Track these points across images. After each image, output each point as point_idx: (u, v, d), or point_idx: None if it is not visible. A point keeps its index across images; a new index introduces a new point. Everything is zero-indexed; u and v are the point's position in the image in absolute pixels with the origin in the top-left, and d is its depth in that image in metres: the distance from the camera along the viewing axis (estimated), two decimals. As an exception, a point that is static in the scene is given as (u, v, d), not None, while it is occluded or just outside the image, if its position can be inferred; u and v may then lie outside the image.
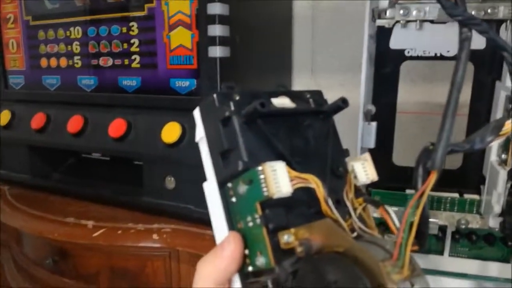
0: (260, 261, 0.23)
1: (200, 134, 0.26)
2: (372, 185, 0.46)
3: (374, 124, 0.41)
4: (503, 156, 0.38)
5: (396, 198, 0.45)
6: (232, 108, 0.24)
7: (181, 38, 0.61)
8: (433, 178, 0.21)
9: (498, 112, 0.39)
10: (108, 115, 0.68)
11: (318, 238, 0.22)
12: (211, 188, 0.25)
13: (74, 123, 0.71)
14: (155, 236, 0.63)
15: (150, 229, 0.65)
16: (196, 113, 0.26)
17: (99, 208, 0.71)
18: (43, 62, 0.75)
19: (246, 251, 0.24)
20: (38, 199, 0.76)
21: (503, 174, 0.37)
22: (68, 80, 0.73)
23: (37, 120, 0.75)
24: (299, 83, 0.84)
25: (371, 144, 0.41)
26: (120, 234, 0.64)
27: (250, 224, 0.23)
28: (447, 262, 0.45)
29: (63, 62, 0.73)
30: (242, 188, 0.24)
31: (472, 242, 0.44)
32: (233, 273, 0.24)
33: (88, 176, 0.79)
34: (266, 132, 0.24)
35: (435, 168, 0.20)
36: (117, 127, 0.66)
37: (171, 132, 0.62)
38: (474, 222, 0.43)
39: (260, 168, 0.22)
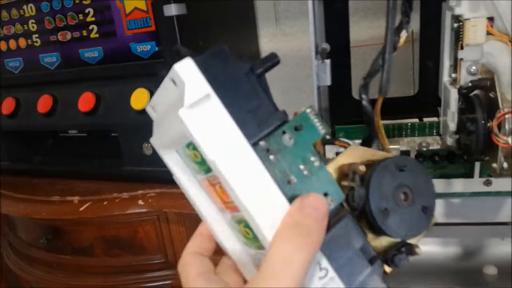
0: (332, 200, 0.22)
1: (203, 91, 0.21)
2: (336, 121, 0.48)
3: (328, 61, 0.42)
4: (453, 75, 0.39)
5: (360, 132, 0.47)
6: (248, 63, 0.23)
7: (136, 1, 0.60)
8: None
9: (446, 33, 0.40)
10: (76, 90, 0.68)
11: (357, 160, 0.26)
12: (240, 154, 0.21)
13: (44, 103, 0.71)
14: (140, 202, 0.65)
15: (134, 196, 0.66)
16: (190, 68, 0.21)
17: (83, 184, 0.73)
18: (3, 45, 0.74)
19: None
20: (22, 183, 0.76)
21: (454, 92, 0.38)
22: (30, 61, 0.72)
23: (7, 105, 0.74)
24: (265, 34, 0.84)
25: (327, 81, 0.41)
26: (106, 205, 0.66)
27: (306, 172, 0.22)
28: (414, 185, 0.47)
29: (22, 42, 0.72)
30: (289, 138, 0.22)
31: (435, 163, 0.46)
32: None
33: (68, 154, 0.80)
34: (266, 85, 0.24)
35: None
36: (86, 101, 0.67)
37: (140, 98, 0.63)
38: (434, 143, 0.45)
39: (309, 110, 0.23)
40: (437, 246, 0.53)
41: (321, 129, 0.23)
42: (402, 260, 0.24)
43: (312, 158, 0.22)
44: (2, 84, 0.76)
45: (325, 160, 0.23)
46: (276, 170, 0.22)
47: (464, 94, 0.36)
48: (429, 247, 0.53)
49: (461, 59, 0.37)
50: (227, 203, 0.24)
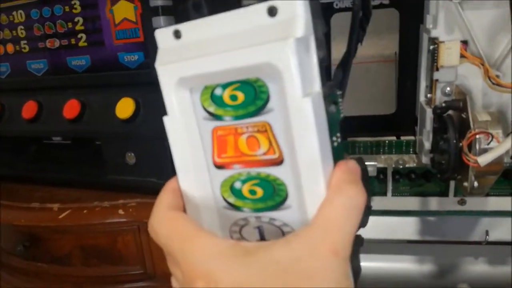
0: None
1: (305, 31, 0.21)
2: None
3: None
4: (429, 95, 0.40)
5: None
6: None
7: (125, 11, 0.60)
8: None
9: (423, 54, 0.41)
10: (61, 97, 0.68)
11: None
12: (316, 98, 0.22)
13: (29, 109, 0.70)
14: (120, 212, 0.65)
15: (115, 205, 0.66)
16: (304, 5, 0.22)
17: (64, 191, 0.72)
18: (-10, 50, 0.74)
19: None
20: (2, 189, 0.76)
21: (429, 112, 0.39)
22: (17, 66, 0.72)
23: (-9, 109, 0.74)
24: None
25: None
26: (86, 213, 0.66)
27: (335, 143, 0.24)
28: (390, 202, 0.48)
29: (10, 48, 0.72)
30: (332, 107, 0.23)
31: (411, 181, 0.47)
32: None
33: (51, 161, 0.79)
34: None
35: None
36: (71, 108, 0.67)
37: (125, 108, 0.63)
38: (411, 161, 0.46)
39: (339, 92, 0.24)
40: (411, 264, 0.54)
41: (342, 112, 0.24)
42: None
43: (338, 135, 0.24)
44: (-12, 88, 0.76)
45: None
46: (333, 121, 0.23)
47: (438, 114, 0.37)
48: (404, 265, 0.54)
49: (437, 80, 0.38)
50: (246, 156, 0.24)
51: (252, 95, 0.23)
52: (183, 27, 0.25)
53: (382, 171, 0.46)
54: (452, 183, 0.46)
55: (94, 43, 0.64)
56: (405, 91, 0.45)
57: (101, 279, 0.69)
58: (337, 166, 0.23)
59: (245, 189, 0.24)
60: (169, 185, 0.27)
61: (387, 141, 0.46)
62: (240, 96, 0.23)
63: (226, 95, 0.24)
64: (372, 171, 0.45)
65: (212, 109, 0.24)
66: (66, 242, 0.70)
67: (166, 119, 0.26)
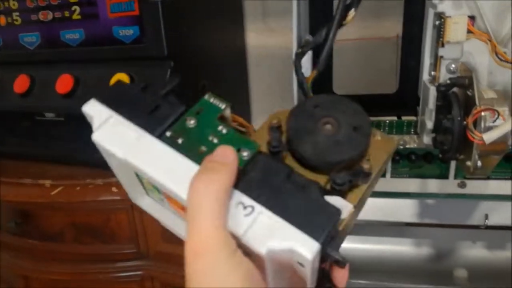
0: (246, 153, 0.24)
1: (105, 115, 0.28)
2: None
3: (309, 53, 0.41)
4: (433, 73, 0.39)
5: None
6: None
7: (120, -16, 0.58)
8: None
9: (428, 31, 0.40)
10: (54, 72, 0.66)
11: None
12: (149, 146, 0.26)
13: (21, 83, 0.69)
14: (114, 189, 0.64)
15: (108, 183, 0.65)
16: (93, 104, 0.29)
17: (57, 168, 0.71)
18: (-19, 22, 0.72)
19: None
20: (-6, 165, 0.74)
21: (432, 90, 0.38)
22: (10, 39, 0.70)
23: (-18, 83, 0.72)
24: (252, 28, 0.83)
25: (308, 73, 0.41)
26: (79, 191, 0.64)
27: (216, 140, 0.25)
28: (389, 183, 0.47)
29: (2, 20, 0.70)
30: (192, 121, 0.26)
31: (411, 162, 0.46)
32: (231, 188, 0.23)
33: (44, 138, 0.78)
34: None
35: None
36: (64, 83, 0.65)
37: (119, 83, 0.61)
38: (411, 142, 0.45)
39: (207, 96, 0.27)
40: (409, 247, 0.53)
41: (221, 104, 0.26)
42: (342, 178, 0.24)
43: (219, 128, 0.26)
44: (-21, 61, 0.74)
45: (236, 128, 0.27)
46: (186, 148, 0.25)
47: (443, 92, 0.36)
48: (401, 247, 0.53)
49: (441, 56, 0.37)
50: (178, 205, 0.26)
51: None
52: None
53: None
54: (452, 165, 0.45)
55: (88, 16, 0.62)
56: (407, 69, 0.44)
57: (94, 257, 0.68)
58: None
59: None
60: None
61: (387, 121, 0.45)
62: (146, 181, 0.29)
63: (145, 181, 0.29)
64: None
65: (154, 194, 0.29)
66: (58, 219, 0.69)
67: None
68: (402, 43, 0.44)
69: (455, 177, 0.46)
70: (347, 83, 0.39)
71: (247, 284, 0.22)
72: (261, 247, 0.21)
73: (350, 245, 0.53)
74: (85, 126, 0.67)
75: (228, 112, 0.27)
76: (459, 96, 0.34)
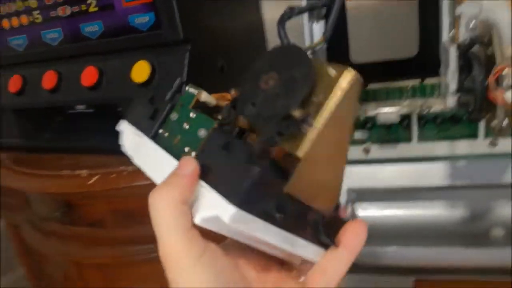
0: (202, 131, 0.26)
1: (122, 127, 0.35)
2: (335, 86, 0.47)
3: (321, 22, 0.40)
4: (452, 33, 0.38)
5: (360, 95, 0.46)
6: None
7: (131, -28, 0.59)
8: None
9: (446, -12, 0.38)
10: (79, 66, 0.68)
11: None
12: (146, 147, 0.29)
13: (49, 79, 0.71)
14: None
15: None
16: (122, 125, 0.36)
17: (91, 158, 0.74)
18: (5, 24, 0.74)
19: (187, 149, 0.27)
20: (33, 160, 0.78)
21: (452, 50, 0.37)
22: (33, 38, 0.72)
23: (14, 83, 0.75)
24: (268, 3, 0.82)
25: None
26: (114, 178, 0.67)
27: (187, 126, 0.27)
28: (416, 148, 0.46)
29: (24, 19, 0.72)
30: (174, 114, 0.29)
31: (438, 125, 0.45)
32: (192, 193, 0.23)
33: (77, 130, 0.81)
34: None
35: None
36: (89, 75, 0.67)
37: (140, 71, 0.62)
38: (436, 105, 0.43)
39: (187, 87, 0.29)
40: (443, 209, 0.53)
41: (192, 90, 0.28)
42: (266, 134, 0.22)
43: (191, 114, 0.27)
44: (8, 62, 0.77)
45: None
46: (170, 141, 0.27)
47: (463, 51, 0.35)
48: (434, 210, 0.53)
49: (460, 14, 0.36)
50: None
51: None
52: None
53: (406, 117, 0.44)
54: (482, 125, 0.44)
55: (105, 8, 0.63)
56: (427, 31, 0.42)
57: (134, 239, 0.71)
58: None
59: None
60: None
61: (410, 86, 0.44)
62: None
63: None
64: (395, 118, 0.44)
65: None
66: (98, 206, 0.73)
67: None
68: (419, 4, 0.42)
69: (485, 136, 0.45)
70: (365, 50, 0.39)
71: (217, 285, 0.23)
72: (196, 219, 0.22)
73: (381, 212, 0.53)
74: (115, 116, 0.69)
75: (204, 96, 0.28)
76: (479, 55, 0.33)
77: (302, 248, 0.24)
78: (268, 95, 0.23)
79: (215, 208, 0.21)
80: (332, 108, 0.22)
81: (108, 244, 0.74)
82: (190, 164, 0.24)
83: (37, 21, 0.70)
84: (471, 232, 0.52)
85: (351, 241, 0.25)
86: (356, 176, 0.52)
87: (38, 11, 0.69)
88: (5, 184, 0.78)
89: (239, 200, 0.20)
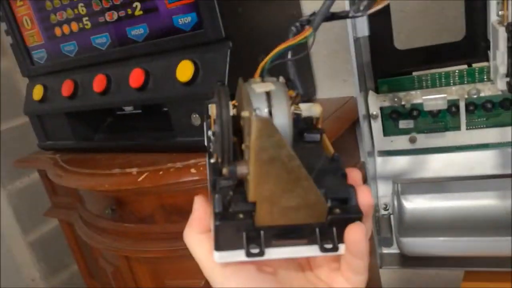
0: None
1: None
2: (379, 74, 0.47)
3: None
4: (501, 13, 0.37)
5: (404, 83, 0.45)
6: None
7: (173, -26, 0.61)
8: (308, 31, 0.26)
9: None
10: (126, 68, 0.71)
11: None
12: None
13: (99, 83, 0.74)
14: (193, 170, 0.68)
15: (187, 165, 0.69)
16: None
17: (141, 157, 0.77)
18: (57, 31, 0.78)
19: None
20: (85, 160, 0.82)
21: (502, 31, 0.36)
22: (83, 43, 0.76)
23: (67, 87, 0.79)
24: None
25: (365, 31, 0.40)
26: (162, 175, 0.69)
27: None
28: (465, 136, 0.45)
29: (74, 26, 0.76)
30: None
31: (488, 111, 0.43)
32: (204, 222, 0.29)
33: (126, 130, 0.84)
34: None
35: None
36: (136, 77, 0.69)
37: (185, 70, 0.64)
38: (485, 90, 0.42)
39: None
40: (494, 200, 0.51)
41: None
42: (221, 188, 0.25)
43: None
44: (61, 68, 0.81)
45: None
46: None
47: (513, 32, 0.34)
48: (485, 201, 0.51)
49: (509, -6, 0.34)
50: None
51: None
52: None
53: (454, 103, 0.43)
54: (534, 109, 0.42)
55: (149, 10, 0.65)
56: (474, 12, 0.41)
57: (181, 234, 0.73)
58: None
59: None
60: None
61: (457, 71, 0.43)
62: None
63: None
64: (442, 104, 0.43)
65: None
66: (148, 203, 0.75)
67: None
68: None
69: (539, 121, 0.43)
70: (410, 36, 0.38)
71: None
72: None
73: (429, 204, 0.52)
74: (161, 116, 0.72)
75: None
76: (532, 34, 0.32)
77: (304, 252, 0.25)
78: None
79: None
80: (255, 150, 0.23)
81: (157, 239, 0.77)
82: (196, 201, 0.30)
83: (87, 27, 0.74)
84: (526, 222, 0.50)
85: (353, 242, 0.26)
86: (402, 167, 0.51)
87: (87, 18, 0.73)
88: (60, 184, 0.82)
89: (215, 245, 0.25)
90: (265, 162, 0.23)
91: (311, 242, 0.25)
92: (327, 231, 0.25)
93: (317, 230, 0.25)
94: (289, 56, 0.28)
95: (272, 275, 0.28)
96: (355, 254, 0.26)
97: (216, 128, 0.25)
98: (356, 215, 0.24)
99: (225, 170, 0.24)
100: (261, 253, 0.24)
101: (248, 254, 0.24)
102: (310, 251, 0.25)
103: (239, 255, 0.25)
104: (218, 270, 0.27)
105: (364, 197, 0.25)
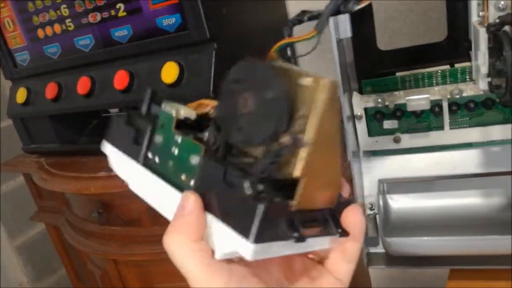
0: (194, 159, 0.24)
1: (107, 151, 0.31)
2: (363, 75, 0.47)
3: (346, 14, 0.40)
4: (481, 13, 0.37)
5: (388, 84, 0.45)
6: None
7: (157, -25, 0.60)
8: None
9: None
10: (111, 70, 0.70)
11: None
12: (139, 175, 0.27)
13: (83, 85, 0.74)
14: (179, 173, 0.67)
15: (174, 167, 0.69)
16: (104, 145, 0.31)
17: (126, 159, 0.76)
18: (40, 33, 0.77)
19: (183, 176, 0.25)
20: (71, 163, 0.81)
21: (482, 31, 0.36)
22: (66, 45, 0.75)
23: (50, 90, 0.78)
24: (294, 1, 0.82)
25: (348, 33, 0.40)
26: (148, 177, 0.69)
27: (176, 151, 0.25)
28: (448, 135, 0.45)
29: (57, 28, 0.75)
30: (159, 137, 0.27)
31: (471, 110, 0.44)
32: (204, 225, 0.24)
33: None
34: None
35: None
36: (121, 79, 0.69)
37: (170, 72, 0.64)
38: (468, 89, 0.42)
39: (163, 105, 0.27)
40: (479, 198, 0.51)
41: (168, 109, 0.26)
42: (261, 166, 0.22)
43: (175, 137, 0.25)
44: (44, 70, 0.80)
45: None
46: (162, 167, 0.26)
47: (493, 32, 0.34)
48: (470, 199, 0.52)
49: (489, -6, 0.35)
50: None
51: None
52: None
53: (437, 103, 0.43)
54: (516, 109, 0.43)
55: (133, 12, 0.65)
56: (455, 13, 0.41)
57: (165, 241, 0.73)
58: None
59: None
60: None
61: (440, 71, 0.43)
62: None
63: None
64: (425, 105, 0.43)
65: None
66: (134, 206, 0.75)
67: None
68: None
69: (521, 120, 0.43)
70: (392, 37, 0.38)
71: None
72: (216, 255, 0.23)
73: (414, 203, 0.53)
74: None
75: (183, 113, 0.26)
76: (510, 35, 0.32)
77: (317, 244, 0.25)
78: (251, 120, 0.23)
79: (233, 244, 0.22)
80: (317, 122, 0.22)
81: (144, 242, 0.76)
82: (191, 201, 0.23)
83: (70, 29, 0.73)
84: (509, 220, 0.51)
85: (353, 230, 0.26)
86: (387, 167, 0.51)
87: (70, 19, 0.72)
88: (45, 187, 0.81)
89: (255, 236, 0.20)
90: (323, 131, 0.22)
91: (325, 230, 0.25)
92: (333, 218, 0.25)
93: (328, 216, 0.25)
94: (289, 52, 0.28)
95: (263, 281, 0.26)
96: (356, 235, 0.25)
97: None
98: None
99: (286, 138, 0.22)
100: (302, 239, 0.22)
101: (286, 238, 0.22)
102: (326, 241, 0.25)
103: (276, 248, 0.22)
104: (219, 282, 0.23)
105: (354, 216, 0.25)
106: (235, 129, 0.23)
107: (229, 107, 0.24)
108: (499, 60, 0.33)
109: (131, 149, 0.28)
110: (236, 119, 0.23)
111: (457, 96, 0.43)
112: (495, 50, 0.34)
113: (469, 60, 0.43)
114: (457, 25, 0.42)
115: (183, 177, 0.25)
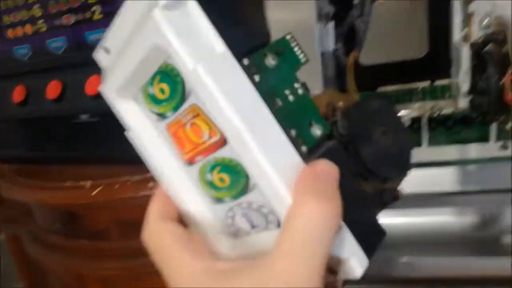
0: (317, 129, 0.21)
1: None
2: (344, 89, 0.46)
3: (331, 24, 0.40)
4: (464, 31, 0.37)
5: (369, 98, 0.45)
6: None
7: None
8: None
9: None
10: (83, 74, 0.67)
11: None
12: (225, 66, 0.19)
13: (53, 89, 0.71)
14: (150, 184, 0.65)
15: (145, 178, 0.66)
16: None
17: (96, 169, 0.73)
18: (10, 33, 0.74)
19: (293, 132, 0.20)
20: (36, 171, 0.77)
21: (466, 49, 0.36)
22: (38, 47, 0.72)
23: (17, 93, 0.74)
24: (271, 5, 0.82)
25: (331, 46, 0.40)
26: (118, 188, 0.66)
27: (291, 97, 0.21)
28: (426, 152, 0.45)
29: (28, 29, 0.72)
30: (272, 60, 0.21)
31: (449, 128, 0.44)
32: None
33: (81, 140, 0.80)
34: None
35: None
36: (93, 84, 0.66)
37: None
38: (447, 107, 0.43)
39: (289, 36, 0.23)
40: (452, 216, 0.52)
41: (302, 56, 0.23)
42: (389, 197, 0.25)
43: (296, 85, 0.21)
44: (12, 72, 0.76)
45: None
46: (263, 92, 0.20)
47: (476, 50, 0.34)
48: (443, 217, 0.52)
49: (473, 12, 0.35)
50: (199, 146, 0.23)
51: (171, 83, 0.21)
52: (108, 42, 0.25)
53: (416, 120, 0.44)
54: (493, 128, 0.43)
55: (109, 15, 0.63)
56: (437, 30, 0.42)
57: (140, 252, 0.70)
58: (301, 171, 0.19)
59: (216, 179, 0.23)
60: (159, 192, 0.27)
61: (419, 88, 0.43)
62: (165, 87, 0.22)
63: (156, 91, 0.23)
64: (405, 122, 0.43)
65: (155, 109, 0.24)
66: (103, 217, 0.72)
67: (128, 135, 0.28)
68: (429, 2, 0.42)
69: (497, 139, 0.44)
70: (373, 51, 0.38)
71: None
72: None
73: (391, 220, 0.52)
74: (119, 125, 0.69)
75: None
76: (494, 54, 0.33)
77: None
78: (386, 151, 0.25)
79: (350, 252, 0.21)
80: None
81: (112, 256, 0.73)
82: (332, 172, 0.20)
83: (42, 30, 0.70)
84: (481, 239, 0.51)
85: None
86: (364, 183, 0.51)
87: (42, 20, 0.69)
88: (6, 196, 0.77)
89: (370, 256, 0.22)
90: None
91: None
92: None
93: None
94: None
95: None
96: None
97: None
98: None
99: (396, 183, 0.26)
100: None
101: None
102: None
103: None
104: (219, 275, 0.21)
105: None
106: (369, 146, 0.24)
107: (366, 126, 0.25)
108: (482, 79, 0.33)
109: (223, 27, 0.22)
110: (372, 140, 0.24)
111: (436, 113, 0.43)
112: (477, 68, 0.35)
113: (449, 77, 0.43)
114: (438, 42, 0.43)
115: (293, 133, 0.20)
